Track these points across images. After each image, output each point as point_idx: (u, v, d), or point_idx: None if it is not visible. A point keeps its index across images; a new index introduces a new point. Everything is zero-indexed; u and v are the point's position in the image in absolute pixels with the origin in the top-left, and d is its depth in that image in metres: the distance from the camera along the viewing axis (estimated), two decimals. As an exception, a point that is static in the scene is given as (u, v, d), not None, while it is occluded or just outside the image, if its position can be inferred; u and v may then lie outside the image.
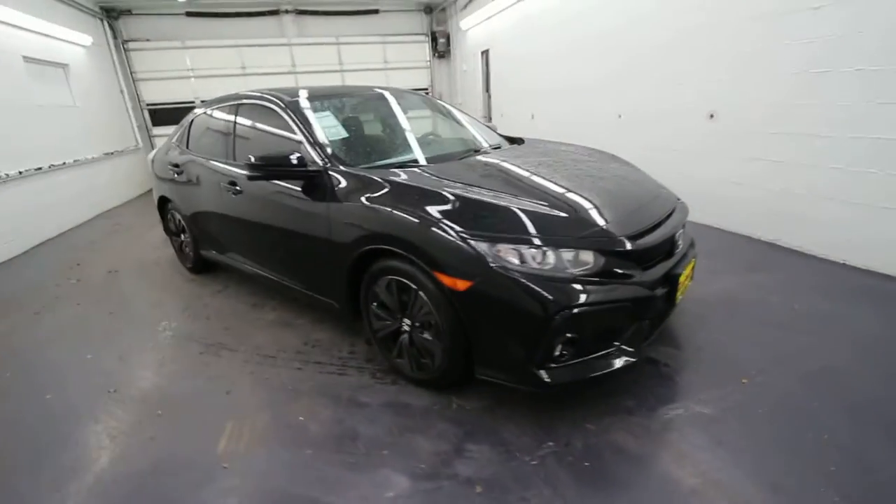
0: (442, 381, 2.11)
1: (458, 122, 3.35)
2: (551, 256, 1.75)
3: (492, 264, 1.73)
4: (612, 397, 2.05)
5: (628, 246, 1.85)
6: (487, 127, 3.55)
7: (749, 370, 2.17)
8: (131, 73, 8.70)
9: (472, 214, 1.86)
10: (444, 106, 3.55)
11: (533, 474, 1.67)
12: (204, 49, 9.05)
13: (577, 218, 1.89)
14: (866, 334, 2.43)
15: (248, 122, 3.03)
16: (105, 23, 8.09)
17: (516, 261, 1.74)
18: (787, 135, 3.49)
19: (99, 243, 5.41)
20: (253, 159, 2.34)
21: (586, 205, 1.99)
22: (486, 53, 8.62)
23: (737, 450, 1.73)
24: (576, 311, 1.69)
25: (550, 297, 1.68)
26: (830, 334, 2.45)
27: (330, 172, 2.35)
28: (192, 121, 3.66)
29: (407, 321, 2.14)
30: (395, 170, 2.34)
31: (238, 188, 2.88)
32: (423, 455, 1.80)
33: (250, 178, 2.56)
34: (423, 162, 2.58)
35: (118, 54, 8.38)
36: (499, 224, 1.82)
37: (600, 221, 1.89)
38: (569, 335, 1.74)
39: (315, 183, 2.39)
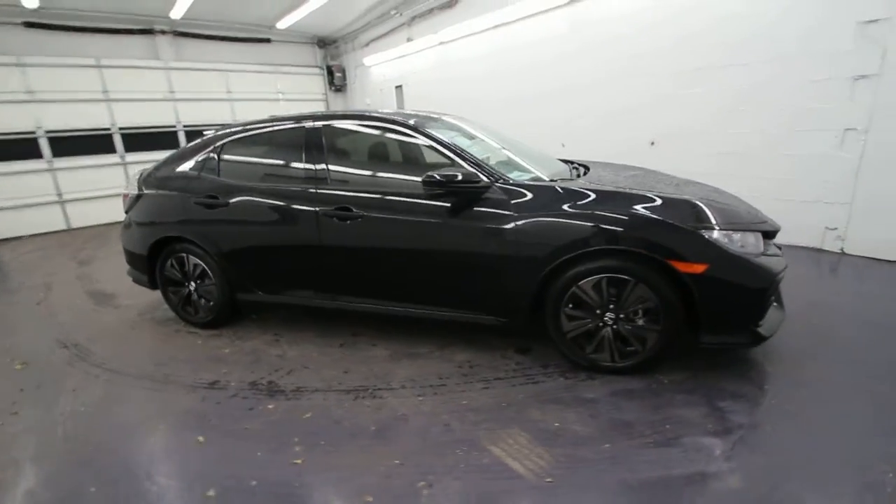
0: (647, 363, 2.37)
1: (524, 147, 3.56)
2: (749, 238, 2.24)
3: (723, 248, 2.13)
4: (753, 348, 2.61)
5: (776, 228, 2.46)
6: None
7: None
8: (-64, 94, 6.42)
9: (684, 209, 2.23)
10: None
11: (785, 407, 2.09)
12: (51, 68, 7.23)
13: (742, 210, 2.42)
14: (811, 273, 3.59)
15: (350, 146, 2.82)
16: None
17: (729, 244, 2.18)
18: (711, 155, 4.76)
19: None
20: (438, 177, 2.34)
21: (734, 201, 2.56)
22: (399, 88, 8.97)
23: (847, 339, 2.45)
24: (778, 277, 2.20)
25: (770, 268, 2.16)
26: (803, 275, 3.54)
27: (503, 188, 2.43)
28: (222, 146, 3.13)
29: (610, 315, 2.35)
30: (558, 182, 2.56)
31: (357, 214, 2.64)
32: (698, 420, 2.04)
33: (429, 195, 2.44)
34: (546, 178, 2.76)
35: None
36: (706, 216, 2.23)
37: (752, 212, 2.47)
38: (772, 297, 2.24)
39: (483, 199, 2.43)
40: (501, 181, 2.46)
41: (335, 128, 2.85)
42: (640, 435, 1.98)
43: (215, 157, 3.13)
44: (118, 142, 8.01)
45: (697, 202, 2.27)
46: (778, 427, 1.97)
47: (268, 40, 9.41)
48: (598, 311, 2.36)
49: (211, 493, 1.81)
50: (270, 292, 3.07)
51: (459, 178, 2.35)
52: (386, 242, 2.66)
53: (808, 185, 4.19)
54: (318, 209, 2.73)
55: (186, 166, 3.21)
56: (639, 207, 2.24)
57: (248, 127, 3.12)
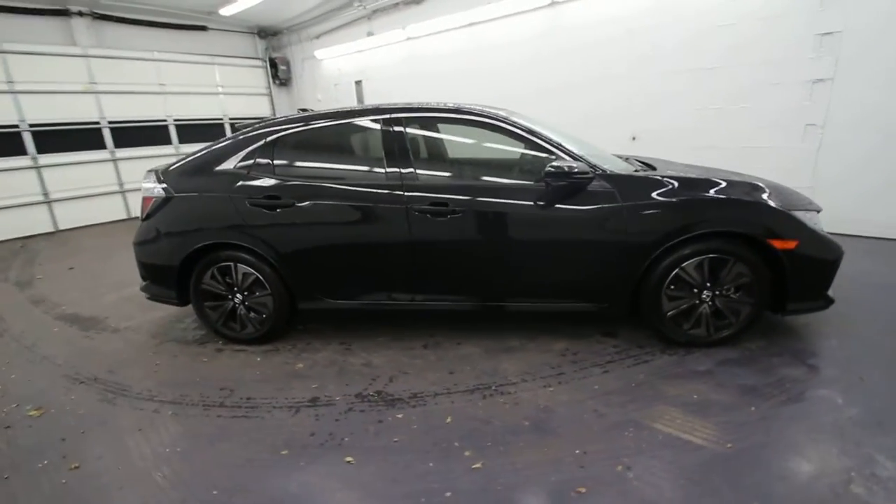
0: (738, 334, 2.62)
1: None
2: (815, 218, 2.58)
3: (807, 226, 2.44)
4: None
5: (820, 209, 2.85)
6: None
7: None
8: None
9: (772, 194, 2.51)
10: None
11: (861, 358, 2.44)
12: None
13: (802, 195, 2.75)
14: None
15: (433, 139, 2.71)
16: None
17: (810, 223, 2.49)
18: (689, 149, 5.32)
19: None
20: (561, 168, 2.38)
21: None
22: (359, 84, 8.64)
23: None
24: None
25: (837, 242, 2.51)
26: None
27: (605, 178, 2.53)
28: (275, 142, 2.82)
29: (707, 293, 2.56)
30: (650, 171, 2.71)
31: (453, 209, 2.55)
32: (804, 377, 2.32)
33: (556, 187, 2.43)
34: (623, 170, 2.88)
35: None
36: (784, 198, 2.52)
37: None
38: (837, 266, 2.61)
39: (586, 190, 2.50)
40: (600, 171, 2.55)
41: (417, 121, 2.73)
42: (771, 396, 2.20)
43: (268, 153, 2.82)
44: (29, 141, 6.71)
45: (780, 187, 2.56)
46: (869, 374, 2.30)
47: (203, 28, 8.51)
48: (695, 290, 2.56)
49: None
50: (343, 298, 2.85)
51: (576, 169, 2.40)
52: (486, 237, 2.62)
53: (775, 172, 4.79)
54: (408, 206, 2.60)
55: (230, 164, 2.85)
56: (736, 193, 2.47)
57: (306, 121, 2.85)
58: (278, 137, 2.83)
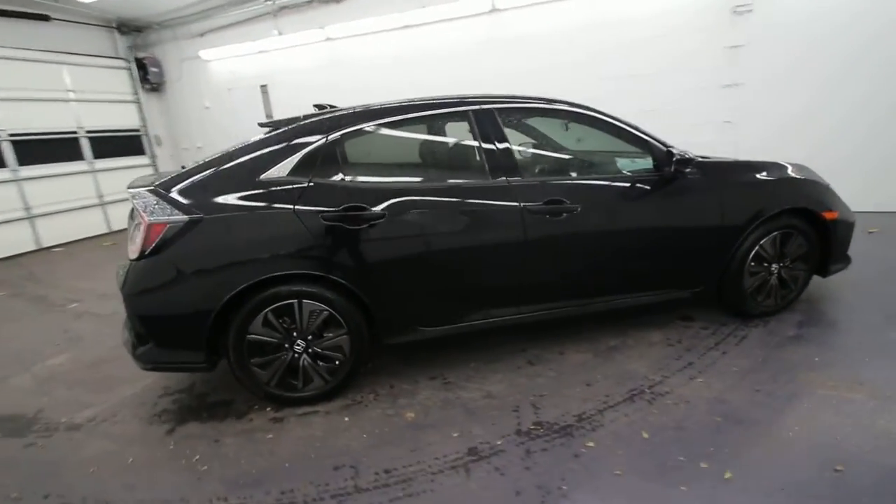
0: (795, 299, 2.93)
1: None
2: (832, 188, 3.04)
3: (839, 197, 2.85)
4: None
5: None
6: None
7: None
8: None
9: (810, 172, 2.87)
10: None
11: (875, 301, 2.94)
12: None
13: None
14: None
15: (530, 131, 2.47)
16: None
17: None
18: None
19: None
20: (684, 155, 2.41)
21: None
22: (265, 88, 7.57)
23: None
24: (852, 215, 3.07)
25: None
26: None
27: (699, 164, 2.61)
28: (340, 140, 2.24)
29: (775, 265, 2.81)
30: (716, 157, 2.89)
31: (572, 206, 2.35)
32: (868, 324, 2.68)
33: (665, 177, 2.41)
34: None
35: None
36: (811, 176, 2.92)
37: None
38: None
39: (686, 179, 2.56)
40: (694, 160, 2.63)
41: (519, 112, 2.48)
42: (865, 344, 2.49)
43: (333, 155, 2.23)
44: None
45: (801, 166, 2.95)
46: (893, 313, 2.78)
47: (45, 17, 6.54)
48: (766, 264, 2.79)
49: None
50: (440, 323, 2.40)
51: (690, 157, 2.42)
52: (605, 233, 2.48)
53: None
54: (521, 206, 2.31)
55: (279, 171, 2.17)
56: (798, 174, 2.78)
57: (379, 114, 2.33)
58: (344, 134, 2.27)
